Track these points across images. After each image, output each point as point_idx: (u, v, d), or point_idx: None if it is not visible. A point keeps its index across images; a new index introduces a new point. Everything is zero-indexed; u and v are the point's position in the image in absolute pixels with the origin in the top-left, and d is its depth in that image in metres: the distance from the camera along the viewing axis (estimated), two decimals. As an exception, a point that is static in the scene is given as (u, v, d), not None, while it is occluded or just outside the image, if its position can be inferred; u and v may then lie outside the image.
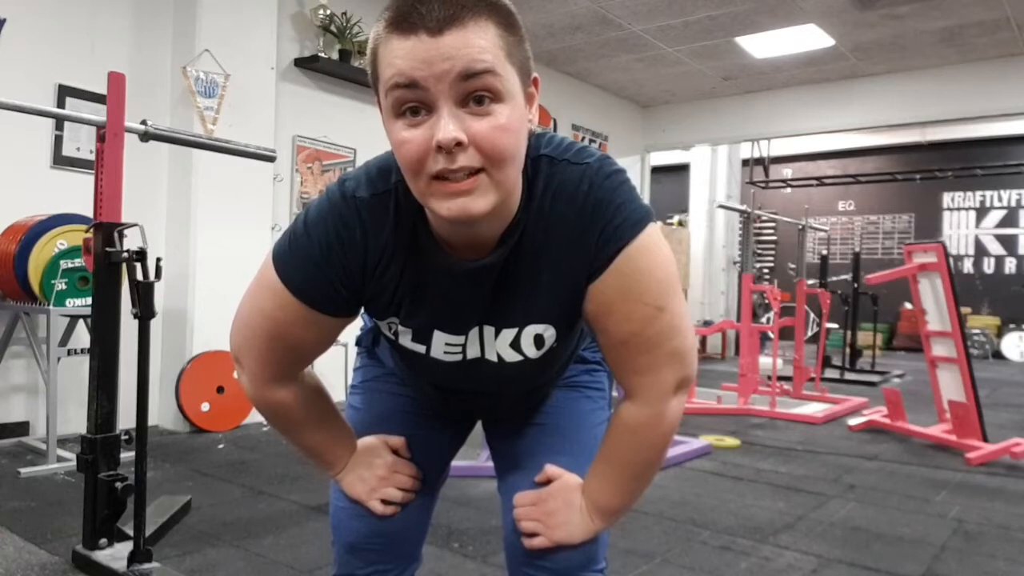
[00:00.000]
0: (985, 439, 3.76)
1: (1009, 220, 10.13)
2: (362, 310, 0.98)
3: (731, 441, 3.92)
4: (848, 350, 7.43)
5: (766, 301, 7.40)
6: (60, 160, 3.69)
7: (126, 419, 2.07)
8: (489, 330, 0.95)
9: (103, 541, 2.00)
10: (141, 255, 1.96)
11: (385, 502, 1.04)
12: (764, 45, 6.06)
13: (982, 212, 10.32)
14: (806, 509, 2.79)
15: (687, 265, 8.84)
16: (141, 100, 3.76)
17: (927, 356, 4.21)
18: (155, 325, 2.68)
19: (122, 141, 2.08)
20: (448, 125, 0.74)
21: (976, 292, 10.06)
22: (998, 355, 9.49)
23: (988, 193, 10.24)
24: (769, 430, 4.38)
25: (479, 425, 1.21)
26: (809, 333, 7.43)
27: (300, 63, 4.60)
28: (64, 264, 3.16)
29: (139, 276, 1.95)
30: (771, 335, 5.59)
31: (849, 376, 7.01)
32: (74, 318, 3.35)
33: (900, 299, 9.77)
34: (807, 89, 7.11)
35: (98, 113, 2.18)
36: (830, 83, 6.95)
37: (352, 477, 1.05)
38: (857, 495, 3.00)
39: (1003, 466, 3.54)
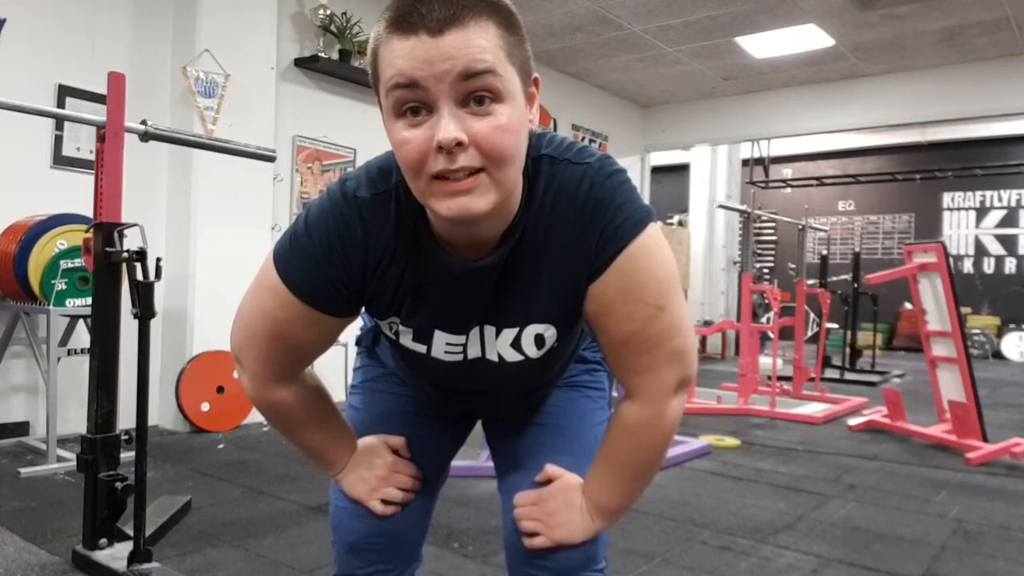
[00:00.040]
0: (985, 439, 3.76)
1: (1009, 220, 10.14)
2: (362, 310, 0.98)
3: (731, 441, 3.92)
4: (848, 350, 7.43)
5: (766, 301, 7.40)
6: (60, 160, 3.69)
7: (126, 419, 2.07)
8: (490, 330, 0.95)
9: (103, 541, 2.00)
10: (141, 255, 1.96)
11: (385, 502, 1.04)
12: (764, 45, 6.06)
13: (982, 212, 10.32)
14: (806, 509, 2.79)
15: (687, 265, 8.84)
16: (141, 100, 3.76)
17: (927, 356, 4.21)
18: (155, 325, 2.68)
19: (122, 141, 2.08)
20: (449, 125, 0.74)
21: (976, 292, 10.06)
22: (998, 355, 9.49)
23: (988, 193, 10.24)
24: (769, 430, 4.38)
25: (479, 425, 1.21)
26: (809, 333, 7.43)
27: (300, 63, 4.60)
28: (64, 264, 3.16)
29: (139, 276, 1.95)
30: (771, 335, 5.59)
31: (849, 376, 7.01)
32: (74, 318, 3.35)
33: (900, 299, 9.77)
34: (807, 89, 7.11)
35: (98, 113, 2.18)
36: (830, 83, 6.95)
37: (352, 477, 1.05)
38: (857, 495, 3.00)
39: (1003, 466, 3.54)
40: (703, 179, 9.32)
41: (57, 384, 3.17)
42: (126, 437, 2.09)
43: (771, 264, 11.44)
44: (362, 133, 4.97)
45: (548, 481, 1.01)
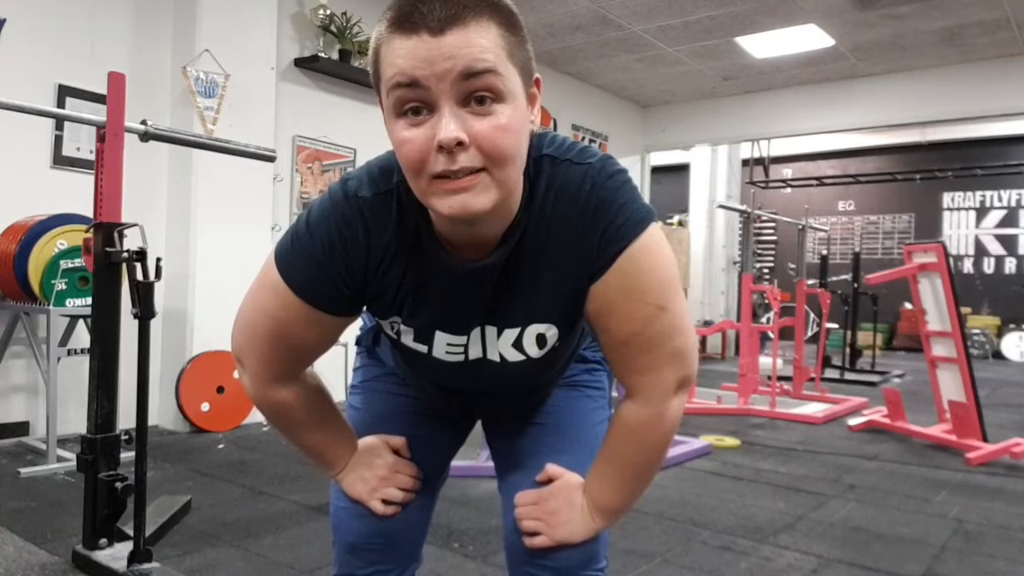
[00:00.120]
0: (985, 439, 3.76)
1: (1009, 220, 10.14)
2: (363, 309, 0.98)
3: (731, 441, 3.92)
4: (848, 350, 7.43)
5: (766, 301, 7.40)
6: (60, 160, 3.69)
7: (126, 419, 2.07)
8: (491, 331, 0.96)
9: (103, 541, 2.00)
10: (141, 255, 1.96)
11: (386, 502, 1.04)
12: (764, 45, 6.06)
13: (982, 212, 10.33)
14: (806, 509, 2.79)
15: (687, 265, 8.84)
16: (141, 100, 3.76)
17: (927, 356, 4.21)
18: (155, 325, 2.68)
19: (122, 141, 2.08)
20: (449, 125, 0.74)
21: (976, 292, 10.06)
22: (998, 355, 9.49)
23: (988, 193, 10.25)
24: (769, 430, 4.38)
25: (479, 425, 1.21)
26: (809, 333, 7.43)
27: (300, 63, 4.60)
28: (64, 264, 3.16)
29: (139, 276, 1.95)
30: (771, 335, 5.59)
31: (849, 376, 7.01)
32: (74, 318, 3.35)
33: (900, 299, 9.77)
34: (807, 89, 7.11)
35: (98, 113, 2.18)
36: (830, 83, 6.95)
37: (353, 477, 1.05)
38: (857, 495, 3.01)
39: (1003, 466, 3.54)
40: (703, 179, 9.32)
41: (57, 384, 3.17)
42: (126, 437, 2.09)
43: (771, 264, 11.44)
44: (362, 133, 4.97)
45: (549, 480, 1.01)
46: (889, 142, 10.45)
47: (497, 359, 0.97)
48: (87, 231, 2.07)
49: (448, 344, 0.97)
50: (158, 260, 1.98)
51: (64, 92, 3.66)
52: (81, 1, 3.75)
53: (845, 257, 10.25)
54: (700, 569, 2.16)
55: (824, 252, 7.25)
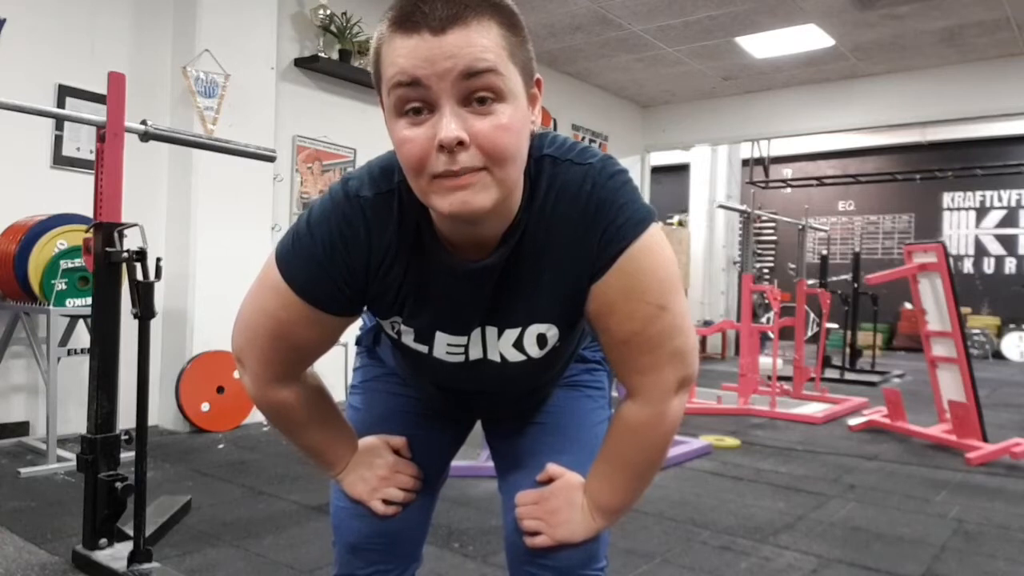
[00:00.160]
0: (985, 439, 3.76)
1: (1009, 220, 10.14)
2: (364, 309, 0.98)
3: (731, 441, 3.92)
4: (848, 350, 7.43)
5: (766, 301, 7.40)
6: (60, 160, 3.68)
7: (126, 419, 2.07)
8: (491, 331, 0.96)
9: (103, 541, 2.00)
10: (141, 255, 1.96)
11: (386, 502, 1.04)
12: (764, 45, 6.06)
13: (982, 212, 10.32)
14: (806, 509, 2.79)
15: (687, 265, 8.84)
16: (141, 100, 3.76)
17: (927, 356, 4.21)
18: (155, 325, 2.68)
19: (122, 141, 2.08)
20: (450, 124, 0.75)
21: (976, 292, 10.06)
22: (998, 355, 9.49)
23: (988, 193, 10.25)
24: (769, 430, 4.38)
25: (479, 425, 1.21)
26: (809, 333, 7.43)
27: (300, 63, 4.60)
28: (64, 264, 3.16)
29: (139, 276, 1.95)
30: (771, 335, 5.59)
31: (849, 376, 7.01)
32: (74, 318, 3.34)
33: (900, 299, 9.77)
34: (807, 89, 7.11)
35: (98, 113, 2.18)
36: (830, 83, 6.95)
37: (353, 477, 1.05)
38: (857, 495, 3.01)
39: (1003, 466, 3.54)
40: (703, 179, 9.32)
41: (57, 384, 3.16)
42: (126, 437, 2.09)
43: (771, 264, 11.44)
44: (362, 133, 4.97)
45: (549, 480, 1.01)
46: (889, 142, 10.45)
47: (498, 359, 0.97)
48: (87, 231, 2.07)
49: (449, 344, 0.97)
50: (158, 260, 1.98)
51: (64, 92, 3.66)
52: (81, 1, 3.75)
53: (845, 257, 10.25)
54: (700, 569, 2.16)
55: (824, 252, 7.25)
